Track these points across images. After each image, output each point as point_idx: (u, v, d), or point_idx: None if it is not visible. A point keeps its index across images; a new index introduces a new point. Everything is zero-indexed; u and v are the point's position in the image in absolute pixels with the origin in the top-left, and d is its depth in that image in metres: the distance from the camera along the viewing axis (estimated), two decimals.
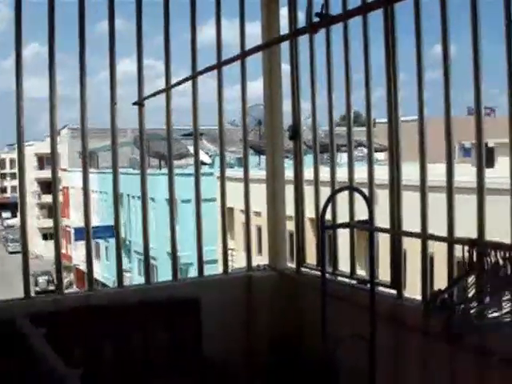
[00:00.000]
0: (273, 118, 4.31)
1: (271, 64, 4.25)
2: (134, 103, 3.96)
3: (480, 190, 2.94)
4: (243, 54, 4.02)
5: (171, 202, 4.22)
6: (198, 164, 4.26)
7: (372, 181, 3.56)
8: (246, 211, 4.34)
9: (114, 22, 3.88)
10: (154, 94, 3.95)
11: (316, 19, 2.28)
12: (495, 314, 2.37)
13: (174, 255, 4.16)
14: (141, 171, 4.06)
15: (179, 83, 4.00)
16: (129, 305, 3.73)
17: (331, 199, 3.26)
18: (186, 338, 3.88)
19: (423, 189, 3.22)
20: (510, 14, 2.73)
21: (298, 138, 4.10)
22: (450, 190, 3.08)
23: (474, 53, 2.88)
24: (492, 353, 2.71)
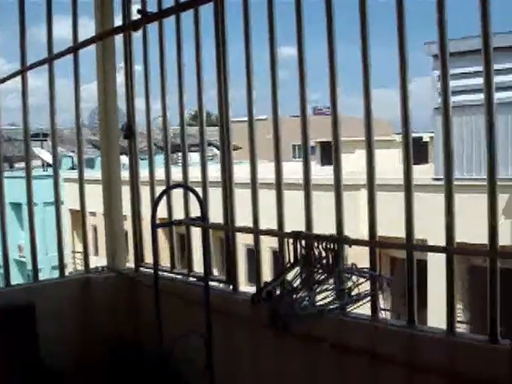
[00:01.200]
0: (107, 117, 4.24)
1: (104, 61, 4.18)
2: None
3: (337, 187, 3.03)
4: (75, 47, 3.95)
5: (29, 205, 4.12)
6: (30, 168, 4.18)
7: (206, 179, 3.61)
8: (82, 212, 4.26)
9: None
10: None
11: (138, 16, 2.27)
12: (319, 303, 2.48)
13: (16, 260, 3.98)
14: None
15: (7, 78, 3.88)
16: None
17: (161, 197, 3.26)
18: (21, 345, 3.72)
19: (254, 185, 3.31)
20: (365, 14, 2.82)
21: (133, 137, 4.07)
22: (279, 186, 3.20)
23: (329, 54, 2.96)
24: (322, 340, 2.85)
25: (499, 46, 10.49)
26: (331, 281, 2.51)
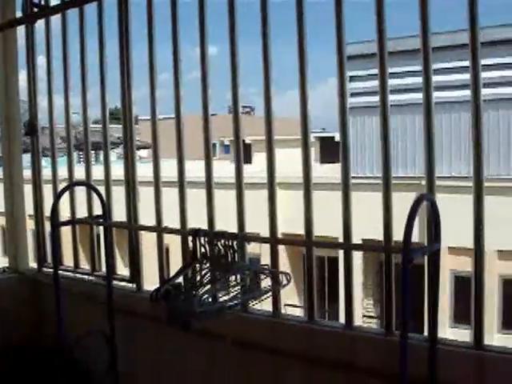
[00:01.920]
0: (9, 113, 4.12)
1: (6, 54, 4.05)
2: None
3: (239, 185, 3.04)
4: None
5: None
6: None
7: (109, 177, 3.56)
8: None
9: None
10: None
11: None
12: (220, 300, 2.49)
13: None
14: None
15: None
16: None
17: (61, 195, 3.19)
18: None
19: (157, 184, 3.30)
20: (266, 15, 2.83)
21: (35, 134, 3.97)
22: (181, 184, 3.20)
23: (231, 54, 2.96)
24: (223, 336, 2.87)
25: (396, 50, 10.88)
26: (232, 278, 2.53)
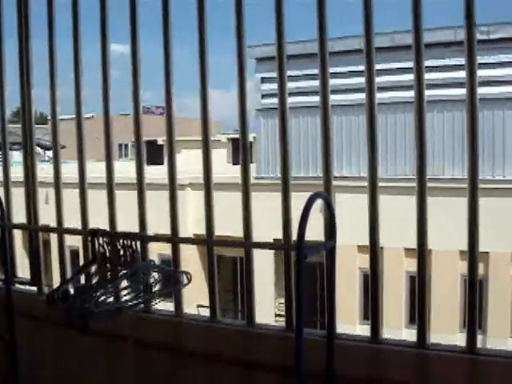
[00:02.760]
0: None
1: None
2: None
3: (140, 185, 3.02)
4: None
5: None
6: None
7: (8, 178, 3.48)
8: None
9: None
10: None
11: None
12: (119, 300, 2.48)
13: None
14: None
15: None
16: None
17: None
18: None
19: (57, 184, 3.25)
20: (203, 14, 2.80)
21: None
22: (82, 185, 3.16)
23: (132, 54, 2.94)
24: (123, 337, 2.86)
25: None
26: (132, 278, 2.52)
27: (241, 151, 2.73)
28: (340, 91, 12.31)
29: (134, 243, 2.47)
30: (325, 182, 2.57)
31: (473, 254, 2.42)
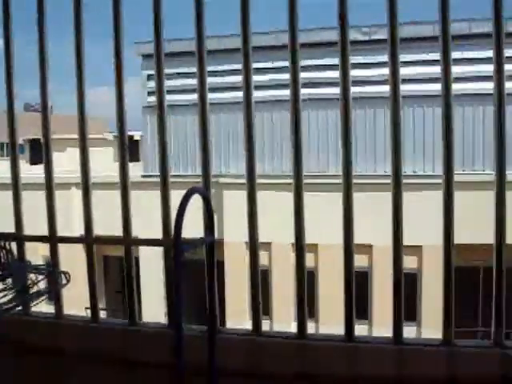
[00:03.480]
0: None
1: None
2: None
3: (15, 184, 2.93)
4: None
5: None
6: None
7: None
8: None
9: None
10: None
11: None
12: None
13: None
14: None
15: None
16: None
17: None
18: None
19: None
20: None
21: None
22: None
23: (5, 52, 2.83)
24: (1, 340, 2.77)
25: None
26: (8, 279, 2.45)
27: (119, 149, 2.71)
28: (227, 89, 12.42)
29: (8, 244, 2.40)
30: (203, 178, 2.60)
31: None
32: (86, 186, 2.78)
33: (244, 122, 2.56)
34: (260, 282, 2.62)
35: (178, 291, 2.11)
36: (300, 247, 2.56)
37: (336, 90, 2.55)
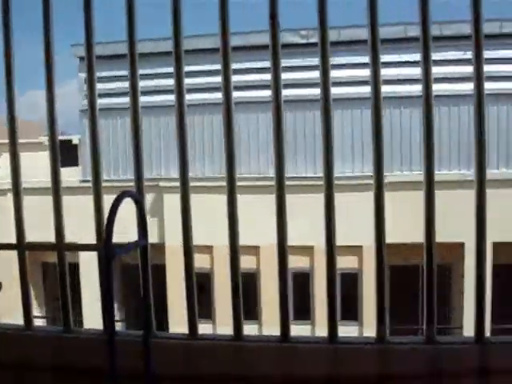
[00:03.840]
0: None
1: None
2: None
3: None
4: None
5: None
6: None
7: None
8: None
9: None
10: None
11: None
12: None
13: None
14: None
15: None
16: None
17: None
18: None
19: None
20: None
21: None
22: None
23: None
24: None
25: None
26: None
27: (50, 153, 2.66)
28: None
29: None
30: (136, 183, 2.58)
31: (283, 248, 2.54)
32: (16, 191, 2.73)
33: (176, 126, 2.56)
34: (195, 284, 2.62)
35: (109, 296, 2.09)
36: (234, 250, 2.56)
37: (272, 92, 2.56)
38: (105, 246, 2.03)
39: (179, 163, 2.54)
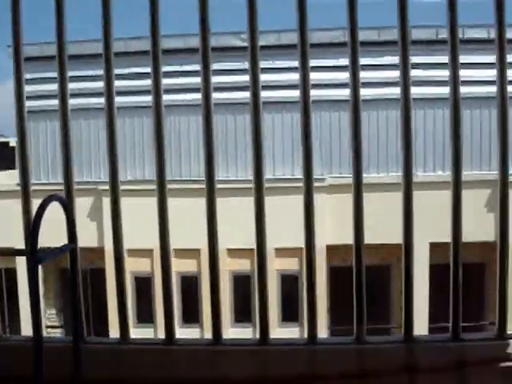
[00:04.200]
0: None
1: None
2: None
3: None
4: None
5: None
6: None
7: None
8: None
9: None
10: None
11: None
12: None
13: None
14: None
15: None
16: None
17: None
18: None
19: None
20: None
21: None
22: None
23: None
24: None
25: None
26: None
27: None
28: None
29: None
30: (65, 185, 2.55)
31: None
32: None
33: (106, 129, 2.54)
34: (126, 288, 2.60)
35: (38, 300, 2.06)
36: (164, 253, 2.56)
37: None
38: (31, 251, 1.99)
39: (109, 166, 2.52)
